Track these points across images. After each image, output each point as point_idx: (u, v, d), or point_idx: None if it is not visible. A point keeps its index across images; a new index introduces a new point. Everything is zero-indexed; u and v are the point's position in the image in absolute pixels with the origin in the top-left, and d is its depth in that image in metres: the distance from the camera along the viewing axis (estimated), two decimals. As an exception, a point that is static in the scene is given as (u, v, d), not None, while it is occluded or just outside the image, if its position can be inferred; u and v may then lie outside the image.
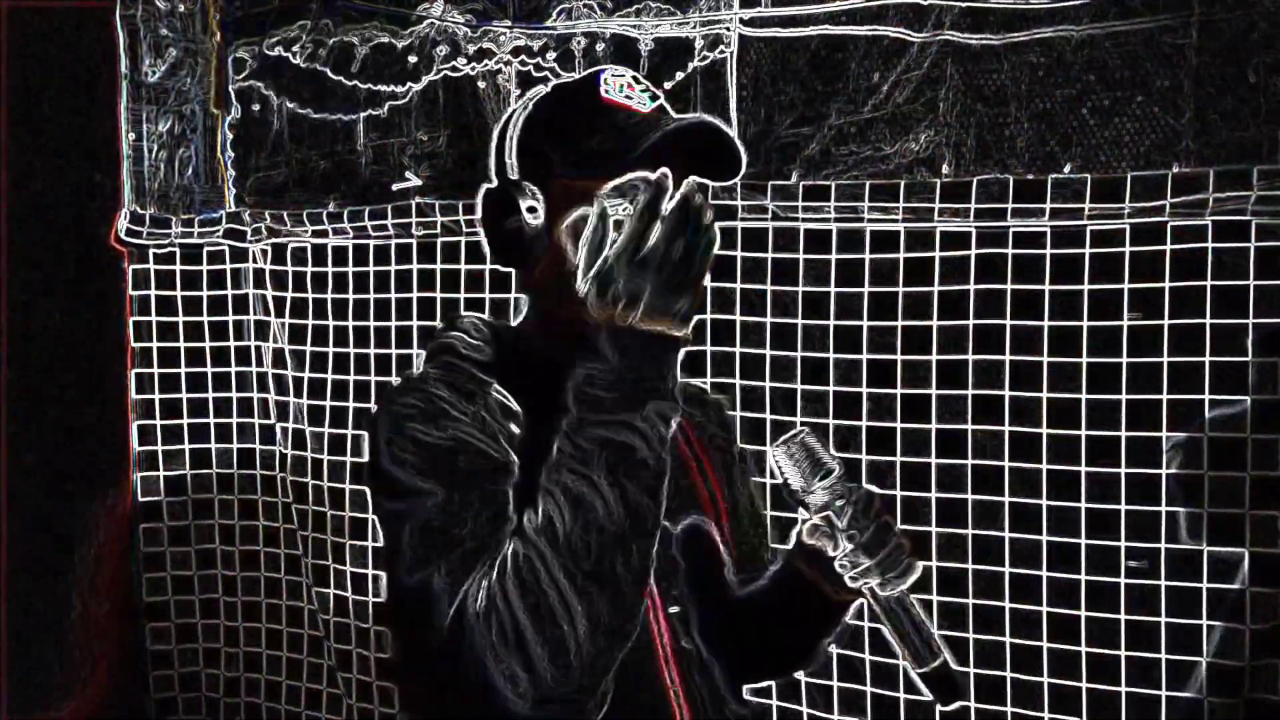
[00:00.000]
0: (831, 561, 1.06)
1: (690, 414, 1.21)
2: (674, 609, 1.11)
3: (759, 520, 1.29)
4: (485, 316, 1.18)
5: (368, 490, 1.03)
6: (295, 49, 2.30)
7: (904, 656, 1.06)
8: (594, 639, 0.88)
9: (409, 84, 2.26)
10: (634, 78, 1.09)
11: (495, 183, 1.11)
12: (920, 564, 1.05)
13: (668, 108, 1.09)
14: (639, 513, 0.91)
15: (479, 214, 1.12)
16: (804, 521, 1.09)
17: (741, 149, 1.07)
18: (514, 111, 1.11)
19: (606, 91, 1.05)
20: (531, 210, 1.05)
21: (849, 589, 1.07)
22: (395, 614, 0.98)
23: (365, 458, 1.08)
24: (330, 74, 2.29)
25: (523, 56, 2.17)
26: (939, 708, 1.08)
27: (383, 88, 2.27)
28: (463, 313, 1.18)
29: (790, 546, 1.15)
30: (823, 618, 1.16)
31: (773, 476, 1.11)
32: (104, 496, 2.53)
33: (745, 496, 1.27)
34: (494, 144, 1.12)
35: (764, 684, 1.31)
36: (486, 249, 1.13)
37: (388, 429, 0.99)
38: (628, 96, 1.06)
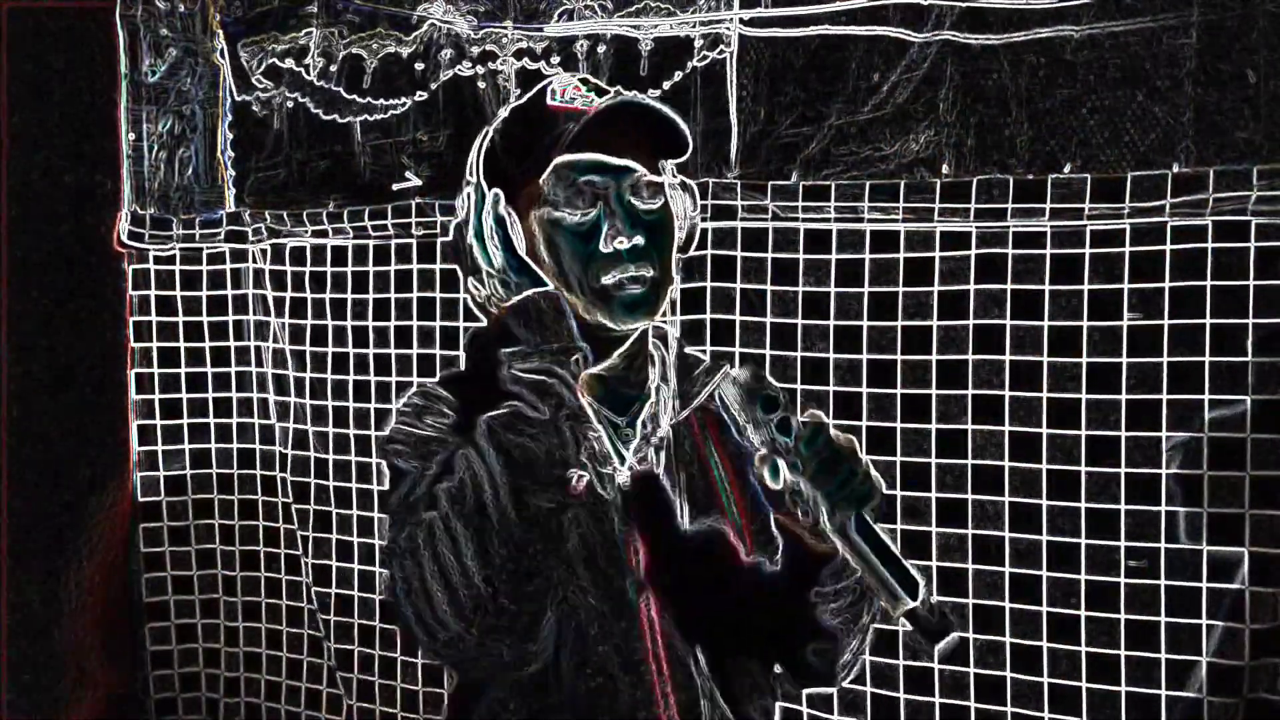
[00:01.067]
0: (792, 505, 1.03)
1: (710, 411, 1.21)
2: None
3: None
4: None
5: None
6: (308, 62, 2.31)
7: (881, 598, 0.99)
8: (492, 596, 0.96)
9: (419, 93, 2.26)
10: (581, 79, 1.13)
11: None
12: (880, 492, 1.01)
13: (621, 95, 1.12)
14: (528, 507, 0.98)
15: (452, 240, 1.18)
16: (756, 459, 1.04)
17: (679, 121, 1.10)
18: (482, 136, 1.16)
19: (553, 99, 1.10)
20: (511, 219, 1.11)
21: (823, 536, 1.03)
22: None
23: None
24: (344, 93, 2.31)
25: (526, 59, 2.17)
26: (925, 648, 1.02)
27: (394, 101, 2.28)
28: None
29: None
30: (801, 572, 1.12)
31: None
32: (104, 496, 2.53)
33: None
34: (466, 171, 1.17)
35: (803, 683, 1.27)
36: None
37: (391, 424, 1.12)
38: (571, 99, 1.10)
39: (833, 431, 1.02)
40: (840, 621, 1.14)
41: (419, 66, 2.27)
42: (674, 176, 1.15)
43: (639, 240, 1.08)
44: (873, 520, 0.99)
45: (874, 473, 1.03)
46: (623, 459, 1.15)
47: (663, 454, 1.16)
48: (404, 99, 2.28)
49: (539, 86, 1.14)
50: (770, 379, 1.05)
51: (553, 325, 1.04)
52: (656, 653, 1.11)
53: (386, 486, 1.12)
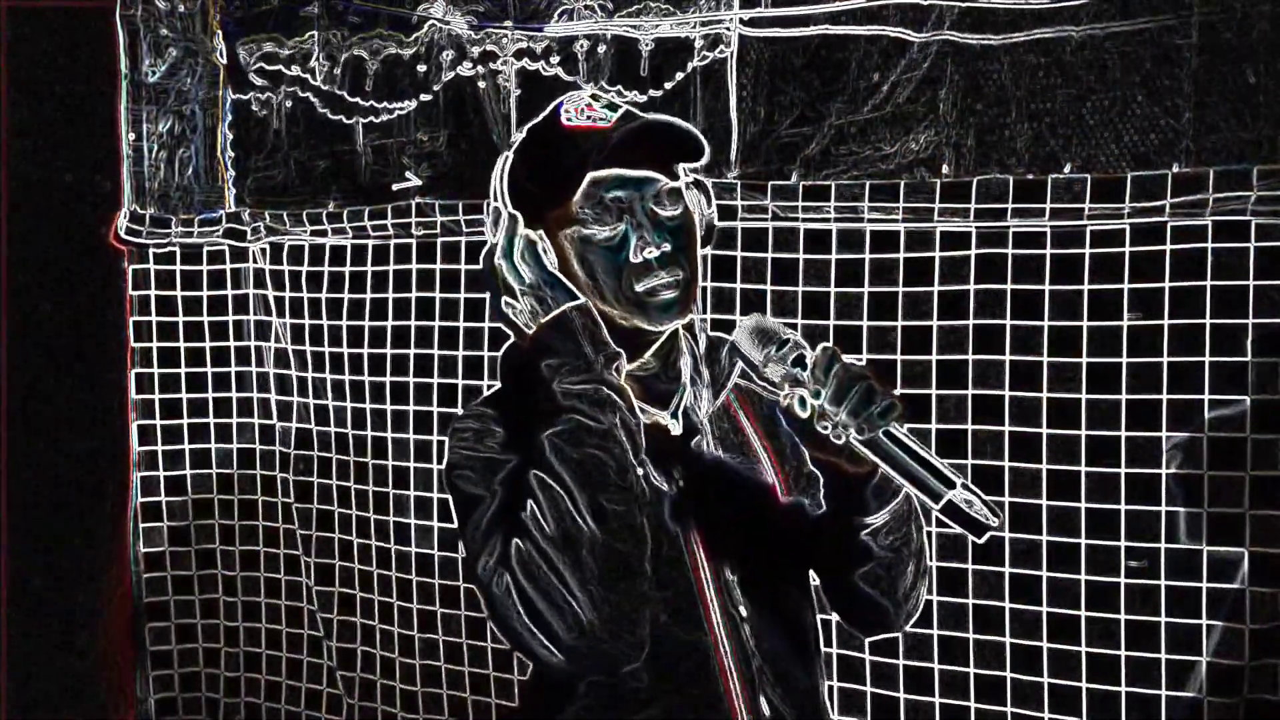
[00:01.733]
0: (821, 434, 1.08)
1: (743, 388, 1.28)
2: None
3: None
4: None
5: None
6: (313, 65, 2.31)
7: (921, 498, 1.04)
8: (597, 604, 1.02)
9: (421, 94, 2.27)
10: (593, 96, 1.18)
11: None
12: (899, 402, 1.05)
13: (634, 112, 1.17)
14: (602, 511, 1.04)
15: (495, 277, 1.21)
16: (781, 397, 1.11)
17: (697, 132, 1.16)
18: (502, 160, 1.21)
19: (568, 119, 1.15)
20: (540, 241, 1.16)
21: (858, 458, 1.09)
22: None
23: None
24: (348, 96, 2.31)
25: (526, 59, 2.17)
26: (972, 539, 1.07)
27: (397, 104, 2.28)
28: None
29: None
30: (848, 497, 1.16)
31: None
32: (104, 498, 2.53)
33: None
34: (489, 220, 1.22)
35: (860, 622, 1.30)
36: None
37: (450, 449, 1.18)
38: (588, 118, 1.15)
39: (845, 358, 1.08)
40: (890, 544, 1.18)
41: (420, 68, 2.27)
42: (688, 175, 1.19)
43: (666, 247, 1.13)
44: (897, 429, 1.04)
45: (887, 387, 1.07)
46: (671, 445, 1.19)
47: (707, 438, 1.22)
48: (407, 101, 2.28)
49: (551, 107, 1.18)
50: (776, 322, 1.12)
51: (593, 335, 1.10)
52: (721, 635, 1.15)
53: (455, 514, 1.17)
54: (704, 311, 1.99)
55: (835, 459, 1.12)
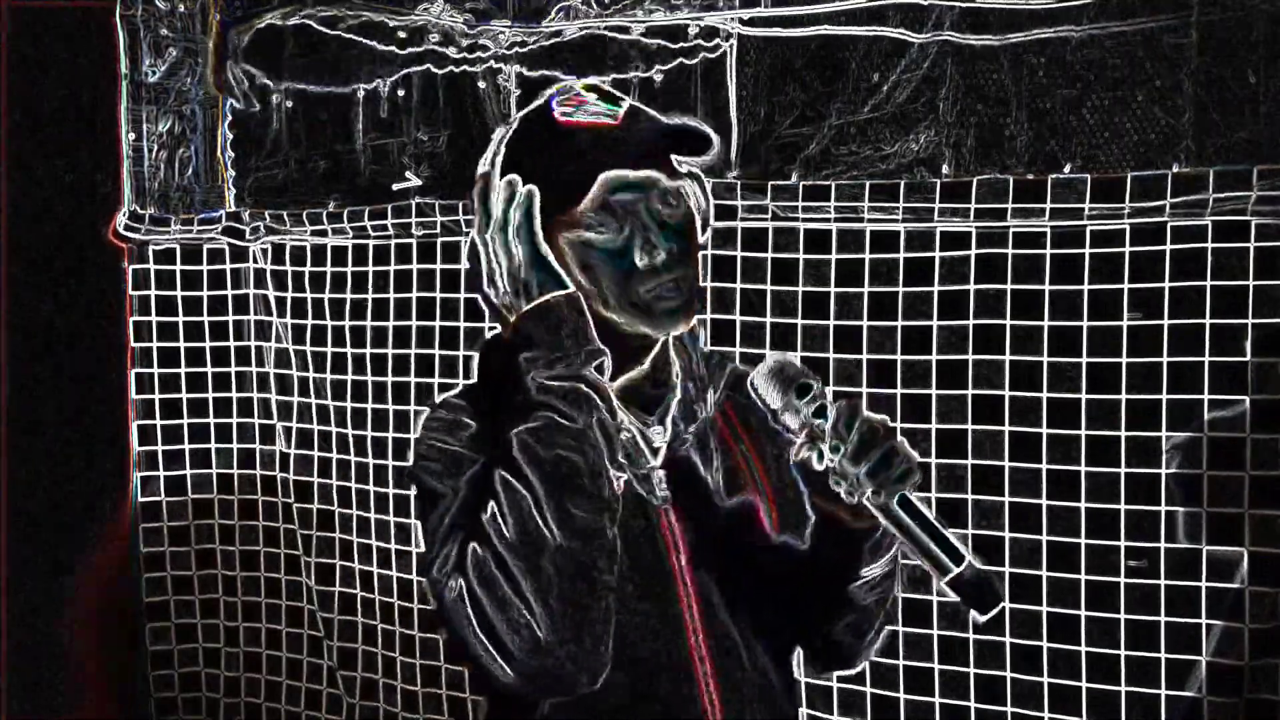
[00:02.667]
0: (830, 487, 1.03)
1: (732, 396, 1.22)
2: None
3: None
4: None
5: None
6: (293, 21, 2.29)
7: (927, 568, 1.00)
8: (556, 620, 0.95)
9: (416, 91, 2.26)
10: (586, 87, 1.12)
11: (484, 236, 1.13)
12: (918, 467, 1.01)
13: (639, 107, 1.12)
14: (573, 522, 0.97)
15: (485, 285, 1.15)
16: (794, 447, 1.05)
17: (709, 130, 1.12)
18: (490, 156, 1.14)
19: (564, 115, 1.09)
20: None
21: (863, 514, 1.04)
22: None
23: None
24: (325, 30, 2.26)
25: (526, 60, 2.17)
26: (977, 616, 1.04)
27: (373, 43, 2.24)
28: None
29: (803, 487, 1.14)
30: (844, 550, 1.12)
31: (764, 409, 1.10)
32: (104, 498, 2.53)
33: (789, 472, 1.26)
34: (478, 191, 1.14)
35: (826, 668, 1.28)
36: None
37: (417, 440, 1.10)
38: (587, 113, 1.09)
39: (866, 412, 1.03)
40: (875, 597, 1.16)
41: (417, 66, 2.27)
42: (682, 167, 1.14)
43: (672, 248, 1.08)
44: (912, 495, 1.01)
45: (909, 449, 1.03)
46: (655, 453, 1.15)
47: (691, 447, 1.17)
48: (388, 80, 2.26)
49: (541, 99, 1.12)
50: (801, 364, 1.07)
51: (575, 328, 1.03)
52: (700, 653, 1.10)
53: (415, 509, 1.11)
54: (704, 312, 1.99)
55: (839, 511, 1.07)
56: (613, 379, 1.08)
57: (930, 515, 1.00)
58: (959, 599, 1.01)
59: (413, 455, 1.11)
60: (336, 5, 2.29)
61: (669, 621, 1.10)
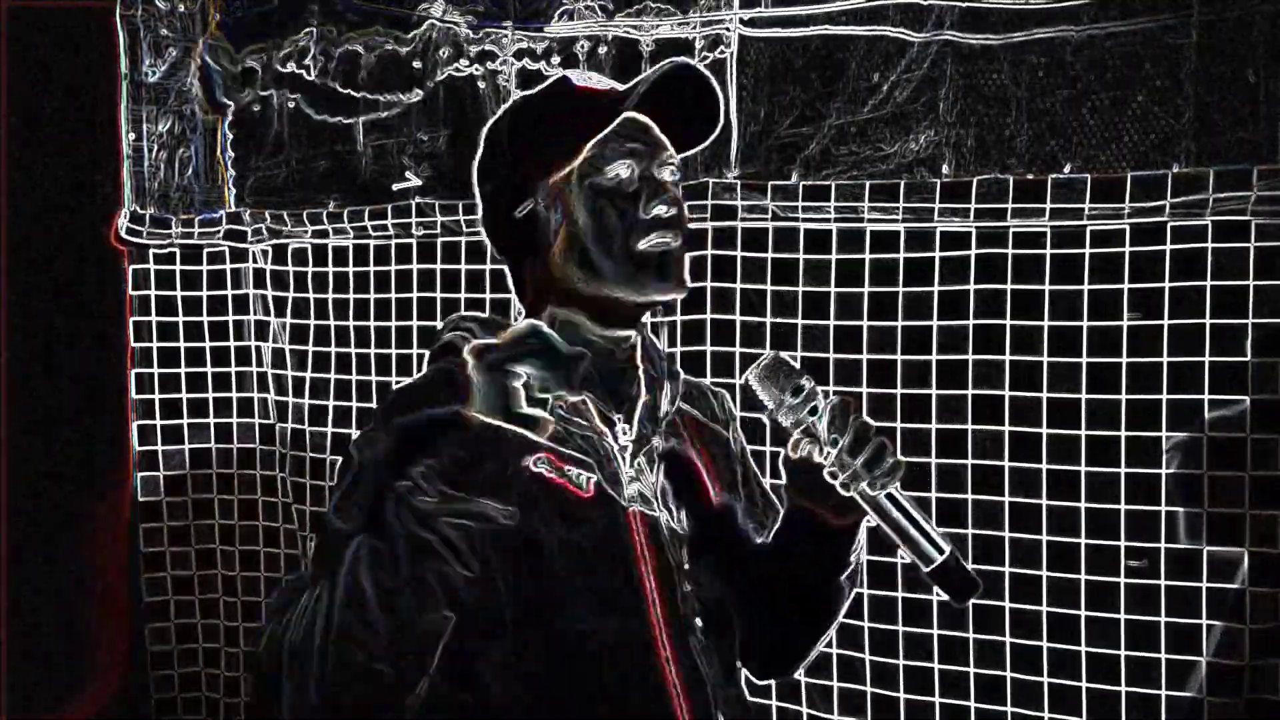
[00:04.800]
0: (822, 485, 1.08)
1: (686, 410, 1.25)
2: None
3: (767, 497, 1.31)
4: (486, 317, 1.20)
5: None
6: (308, 62, 2.31)
7: (910, 557, 1.06)
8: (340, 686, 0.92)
9: (415, 90, 2.26)
10: (598, 79, 1.20)
11: (491, 180, 1.19)
12: (904, 461, 1.07)
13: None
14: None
15: (481, 213, 1.21)
16: (790, 443, 1.11)
17: (718, 91, 1.16)
18: (497, 118, 1.20)
19: (581, 81, 1.17)
20: (542, 196, 1.14)
21: (848, 512, 1.11)
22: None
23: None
24: (339, 88, 2.30)
25: (526, 59, 2.17)
26: (954, 604, 1.09)
27: (388, 97, 2.28)
28: (463, 316, 1.21)
29: (784, 484, 1.17)
30: (829, 547, 1.17)
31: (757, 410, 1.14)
32: (104, 498, 2.53)
33: (754, 478, 1.31)
34: (481, 149, 1.20)
35: (797, 662, 1.31)
36: (491, 246, 1.23)
37: (400, 436, 1.06)
38: (599, 83, 1.18)
39: (855, 410, 1.08)
40: (850, 587, 1.21)
41: (417, 65, 2.27)
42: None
43: (673, 211, 1.12)
44: (898, 491, 1.07)
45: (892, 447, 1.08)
46: (622, 451, 1.15)
47: (656, 450, 1.18)
48: (401, 95, 2.28)
49: (555, 77, 1.19)
50: (793, 363, 1.11)
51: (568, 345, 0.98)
52: (667, 654, 1.10)
53: (338, 479, 1.10)
54: (704, 311, 1.99)
55: (823, 510, 1.12)
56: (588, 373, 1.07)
57: (914, 508, 1.06)
58: (940, 588, 1.07)
59: (372, 441, 1.07)
60: (349, 33, 2.29)
61: (633, 619, 1.10)
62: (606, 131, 1.10)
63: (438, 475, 0.93)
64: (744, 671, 1.27)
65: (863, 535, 1.18)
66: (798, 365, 1.10)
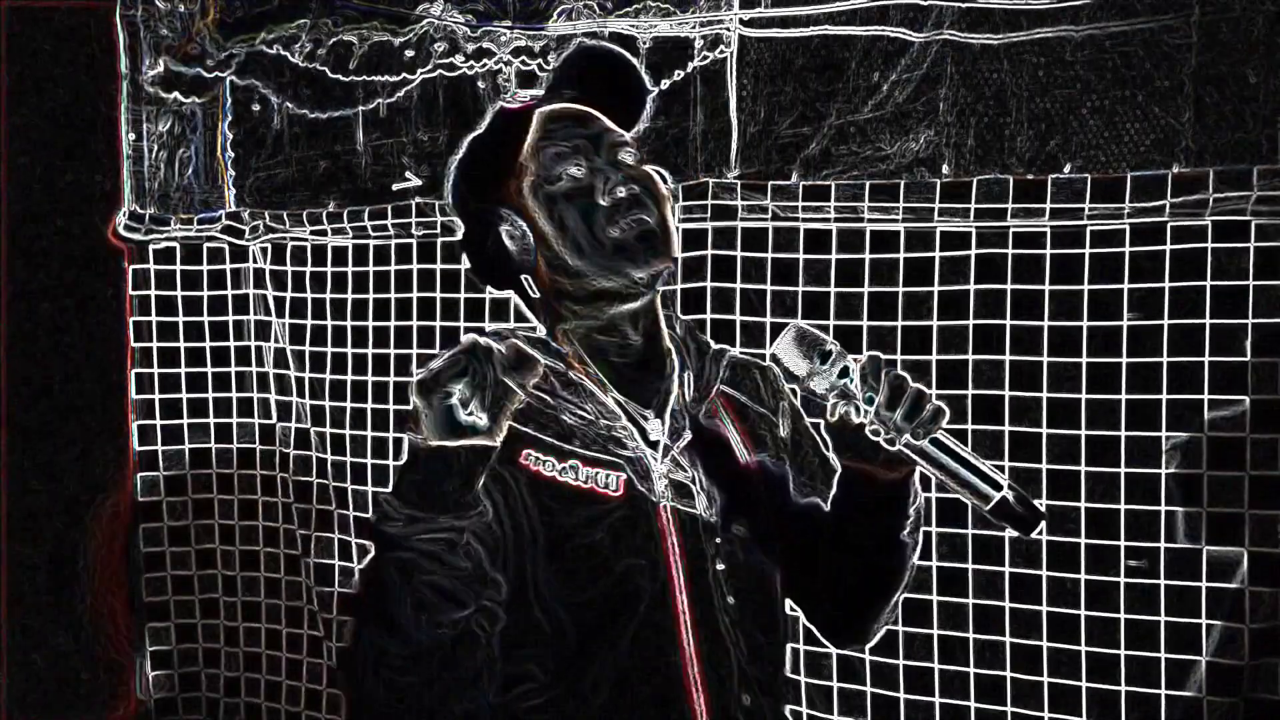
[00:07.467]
0: (867, 443, 1.08)
1: (728, 393, 1.24)
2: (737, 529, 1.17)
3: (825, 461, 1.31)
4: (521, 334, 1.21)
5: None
6: (294, 48, 2.30)
7: (968, 499, 1.06)
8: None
9: (403, 75, 2.25)
10: (533, 94, 1.25)
11: (464, 223, 1.20)
12: (944, 407, 1.07)
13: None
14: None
15: (470, 265, 1.21)
16: (828, 408, 1.10)
17: (634, 61, 1.19)
18: (454, 163, 1.22)
19: (506, 103, 1.24)
20: (507, 222, 1.13)
21: (898, 465, 1.10)
22: None
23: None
24: (329, 73, 2.29)
25: (524, 58, 2.17)
26: (1018, 535, 1.12)
27: (379, 77, 2.26)
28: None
29: (830, 450, 1.18)
30: (885, 504, 1.16)
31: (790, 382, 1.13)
32: (104, 497, 2.53)
33: (811, 448, 1.30)
34: (450, 199, 1.23)
35: (876, 613, 1.31)
36: (493, 289, 1.24)
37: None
38: (530, 100, 1.20)
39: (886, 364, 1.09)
40: (913, 540, 1.20)
41: (410, 55, 2.26)
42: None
43: (634, 189, 1.11)
44: (943, 435, 1.07)
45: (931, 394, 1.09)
46: (654, 447, 1.15)
47: (686, 439, 1.18)
48: (389, 77, 2.26)
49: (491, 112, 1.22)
50: (815, 330, 1.11)
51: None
52: (690, 651, 1.11)
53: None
54: (704, 311, 1.99)
55: (873, 468, 1.12)
56: (607, 369, 1.13)
57: (963, 450, 1.06)
58: (1004, 523, 1.05)
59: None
60: (345, 25, 2.29)
61: (657, 610, 1.10)
62: (533, 132, 1.11)
63: (400, 499, 0.98)
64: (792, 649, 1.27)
65: (917, 484, 1.17)
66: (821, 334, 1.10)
